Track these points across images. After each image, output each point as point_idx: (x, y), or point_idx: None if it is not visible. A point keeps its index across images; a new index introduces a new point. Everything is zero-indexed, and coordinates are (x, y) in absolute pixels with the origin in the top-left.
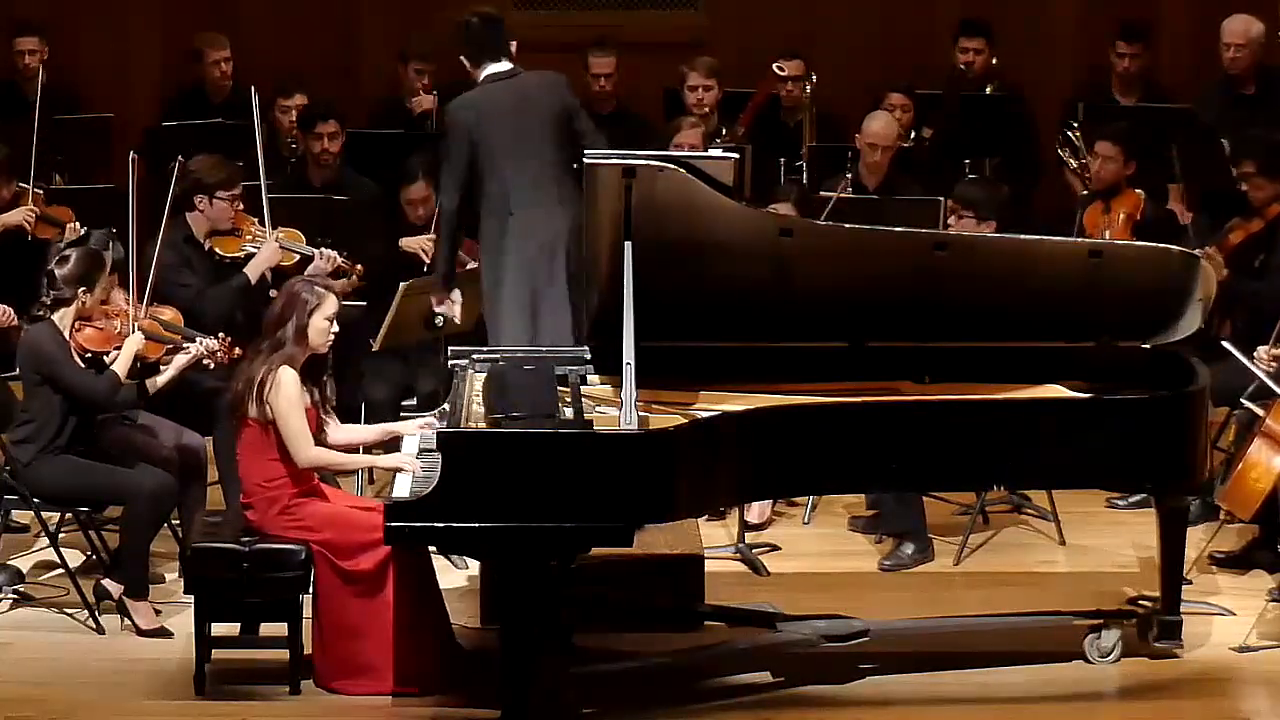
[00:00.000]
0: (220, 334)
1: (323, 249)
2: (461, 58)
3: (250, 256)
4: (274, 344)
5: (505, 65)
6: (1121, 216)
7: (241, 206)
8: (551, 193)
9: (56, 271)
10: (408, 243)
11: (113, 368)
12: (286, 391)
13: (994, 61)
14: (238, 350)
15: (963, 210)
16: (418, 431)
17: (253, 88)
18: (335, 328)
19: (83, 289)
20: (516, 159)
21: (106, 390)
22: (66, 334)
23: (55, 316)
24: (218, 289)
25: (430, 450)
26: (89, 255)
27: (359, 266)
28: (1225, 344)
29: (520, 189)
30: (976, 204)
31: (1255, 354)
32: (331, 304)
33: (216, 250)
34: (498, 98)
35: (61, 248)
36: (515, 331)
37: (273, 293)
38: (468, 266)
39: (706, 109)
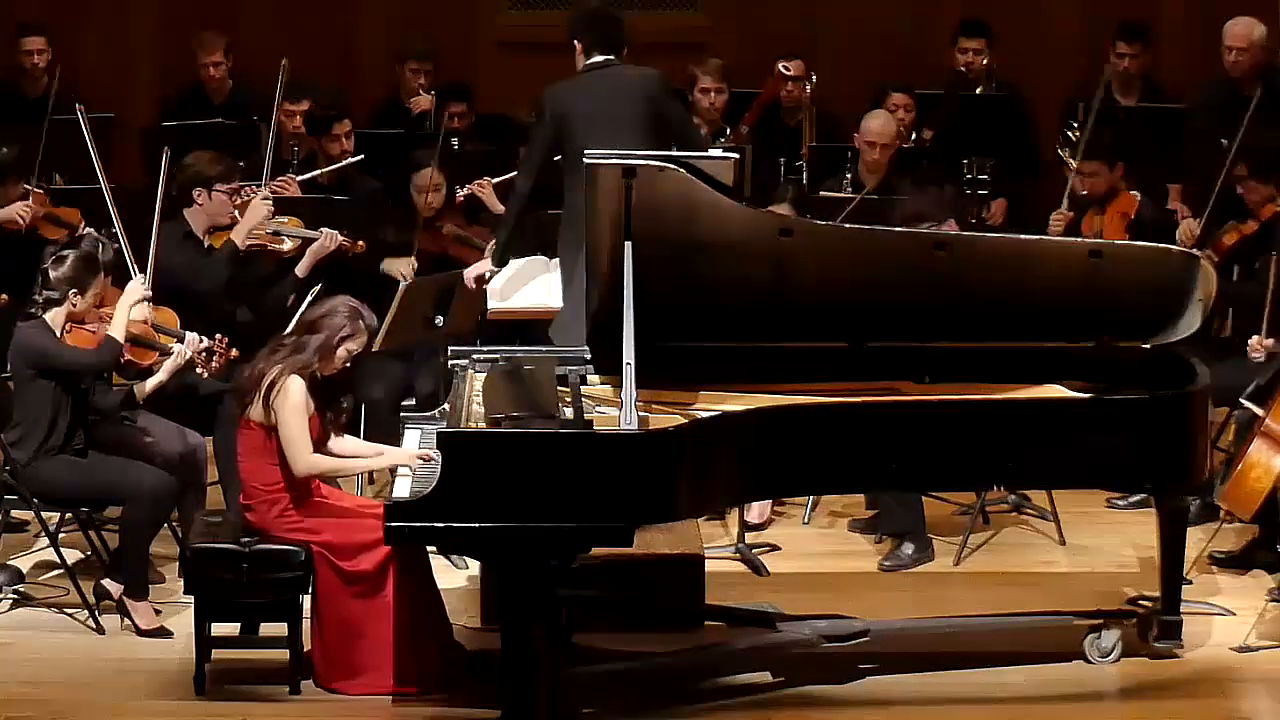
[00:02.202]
0: (217, 335)
1: (324, 229)
2: (573, 40)
3: (252, 250)
4: (295, 346)
5: (606, 58)
6: (1116, 217)
7: (240, 201)
8: None
9: (51, 272)
10: (389, 265)
11: (109, 332)
12: (293, 399)
13: (989, 61)
14: (234, 352)
15: (918, 224)
16: (414, 463)
17: (280, 82)
18: (349, 361)
19: (74, 290)
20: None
21: (108, 356)
22: (58, 333)
23: (47, 317)
24: (208, 261)
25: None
26: (84, 258)
27: (360, 243)
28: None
29: None
30: (925, 214)
31: (1249, 344)
32: (361, 341)
33: (215, 246)
34: (590, 87)
35: (58, 248)
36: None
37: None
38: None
39: (717, 112)
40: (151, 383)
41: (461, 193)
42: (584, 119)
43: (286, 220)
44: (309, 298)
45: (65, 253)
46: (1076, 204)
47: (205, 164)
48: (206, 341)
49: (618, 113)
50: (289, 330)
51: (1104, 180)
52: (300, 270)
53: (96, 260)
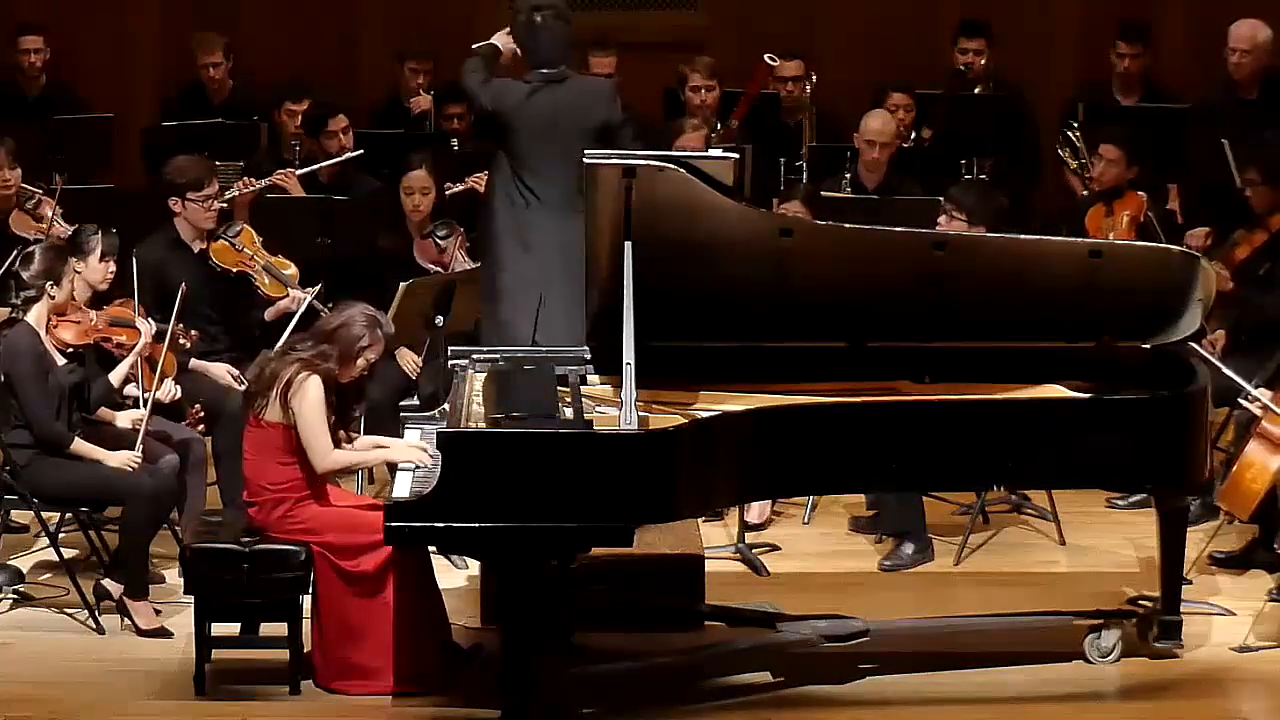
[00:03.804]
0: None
1: (294, 291)
2: (516, 49)
3: (241, 275)
4: (317, 354)
5: (555, 70)
6: (1125, 219)
7: (217, 208)
8: (570, 200)
9: (23, 272)
10: (401, 359)
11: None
12: (314, 398)
13: (989, 61)
14: (195, 334)
15: (955, 211)
16: (417, 455)
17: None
18: (368, 370)
19: (49, 282)
20: (542, 167)
21: (60, 441)
22: (42, 332)
23: (30, 318)
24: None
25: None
26: (51, 249)
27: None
28: (1194, 345)
29: (543, 194)
30: (970, 209)
31: (1246, 393)
32: (379, 350)
33: (212, 258)
34: (537, 103)
35: (25, 249)
36: (516, 333)
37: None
38: (466, 266)
39: (709, 110)
40: (122, 368)
41: (457, 188)
42: (526, 133)
43: (275, 260)
44: (307, 299)
45: (31, 249)
46: (1077, 199)
47: (177, 172)
48: (150, 325)
49: (564, 139)
50: (305, 335)
51: (1116, 172)
52: (267, 316)
53: (64, 249)
